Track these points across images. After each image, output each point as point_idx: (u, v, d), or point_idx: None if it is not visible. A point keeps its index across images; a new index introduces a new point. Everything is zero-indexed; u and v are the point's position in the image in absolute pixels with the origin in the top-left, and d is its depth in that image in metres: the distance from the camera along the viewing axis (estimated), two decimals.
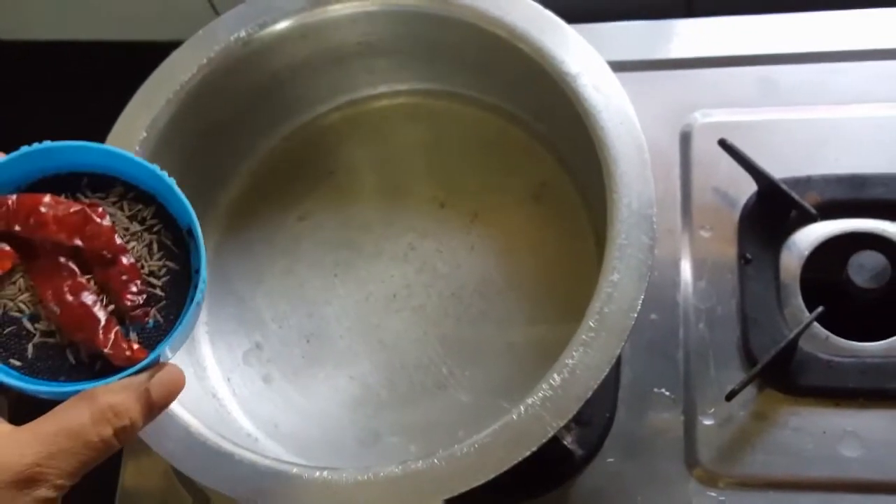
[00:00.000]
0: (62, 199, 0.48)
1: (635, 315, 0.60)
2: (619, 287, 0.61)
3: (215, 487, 0.61)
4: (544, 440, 0.58)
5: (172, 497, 0.75)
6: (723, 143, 0.76)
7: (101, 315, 0.47)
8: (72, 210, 0.47)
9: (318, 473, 0.59)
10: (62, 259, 0.47)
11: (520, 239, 0.76)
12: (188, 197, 0.49)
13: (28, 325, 0.47)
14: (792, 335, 0.68)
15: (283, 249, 0.79)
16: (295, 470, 0.60)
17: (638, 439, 0.71)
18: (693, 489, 0.69)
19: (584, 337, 0.60)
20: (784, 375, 0.70)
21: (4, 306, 0.47)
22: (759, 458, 0.69)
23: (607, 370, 0.59)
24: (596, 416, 0.72)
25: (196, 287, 0.48)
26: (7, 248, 0.47)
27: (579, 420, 0.71)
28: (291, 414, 0.73)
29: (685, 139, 0.80)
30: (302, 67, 0.77)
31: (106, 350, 0.46)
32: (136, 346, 0.46)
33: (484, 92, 0.79)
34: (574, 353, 0.59)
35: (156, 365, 0.47)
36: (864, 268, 0.71)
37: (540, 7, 0.71)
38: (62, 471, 0.42)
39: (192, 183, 0.72)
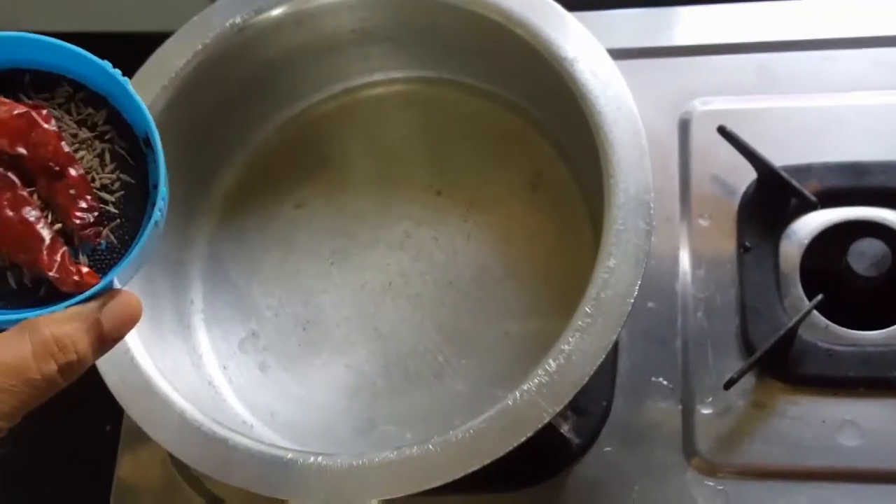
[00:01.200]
0: (5, 99, 0.42)
1: (632, 301, 0.60)
2: (616, 273, 0.60)
3: (210, 474, 0.61)
4: (540, 426, 0.57)
5: (169, 487, 0.75)
6: (722, 131, 0.75)
7: (46, 234, 0.41)
8: (15, 112, 0.41)
9: (312, 459, 0.59)
10: (0, 169, 0.42)
11: (516, 227, 0.76)
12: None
13: None
14: (791, 323, 0.68)
15: (279, 238, 0.79)
16: (290, 455, 0.60)
17: (635, 428, 0.71)
18: (691, 478, 0.69)
19: (580, 323, 0.59)
20: (783, 364, 0.70)
21: None
22: (758, 448, 0.69)
23: (603, 356, 0.58)
24: (593, 405, 0.71)
25: (154, 205, 0.42)
26: None
27: (576, 408, 0.71)
28: (288, 402, 0.73)
29: (684, 127, 0.80)
30: (297, 54, 0.77)
31: (51, 274, 0.41)
32: (85, 270, 0.41)
33: (480, 79, 0.78)
34: (570, 339, 0.59)
35: (108, 292, 0.42)
36: (864, 256, 0.71)
37: None
38: (1, 411, 0.38)
39: (187, 171, 0.73)
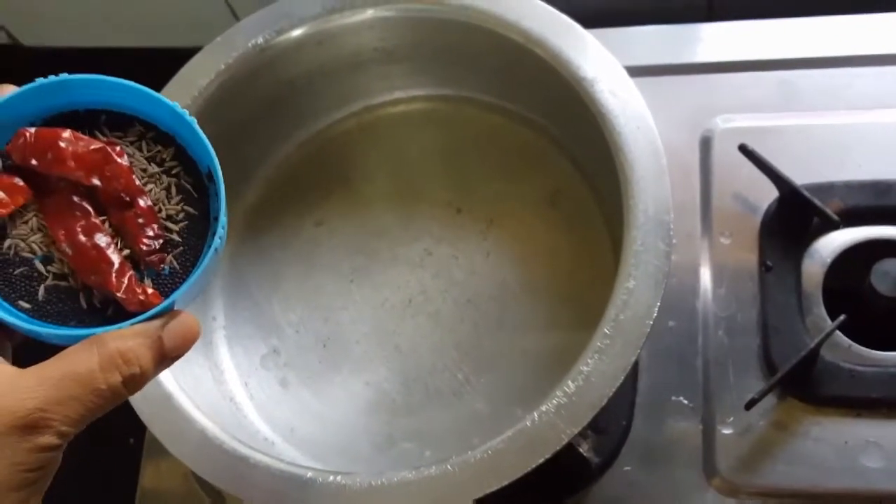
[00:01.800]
0: (82, 135, 0.45)
1: (651, 322, 0.60)
2: (635, 294, 0.60)
3: (230, 491, 0.62)
4: (558, 448, 0.57)
5: (191, 500, 0.76)
6: (743, 149, 0.75)
7: (115, 258, 0.45)
8: (92, 147, 0.45)
9: (331, 478, 0.59)
10: (76, 198, 0.45)
11: (536, 245, 0.76)
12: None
13: (40, 267, 0.45)
14: (813, 343, 0.67)
15: (300, 255, 0.79)
16: (309, 474, 0.60)
17: (655, 448, 0.71)
18: (711, 499, 0.69)
19: (598, 344, 0.59)
20: (805, 384, 0.69)
21: (16, 246, 0.45)
22: (780, 469, 0.68)
23: (622, 378, 0.58)
24: (613, 424, 0.71)
25: (215, 234, 0.46)
26: (21, 182, 0.45)
27: (596, 428, 0.71)
28: (308, 418, 0.73)
29: (705, 144, 0.80)
30: (318, 73, 0.77)
31: (119, 294, 0.44)
32: (150, 291, 0.44)
33: (500, 97, 0.79)
34: (589, 361, 0.59)
35: (170, 312, 0.44)
36: (887, 275, 0.70)
37: (556, 12, 0.70)
38: (67, 417, 0.40)
39: None
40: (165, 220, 0.47)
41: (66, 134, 0.45)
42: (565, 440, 0.57)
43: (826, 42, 0.82)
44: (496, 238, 0.77)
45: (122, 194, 0.45)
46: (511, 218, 0.77)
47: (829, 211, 0.73)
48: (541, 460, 0.57)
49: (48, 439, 0.40)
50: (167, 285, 0.46)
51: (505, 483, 0.57)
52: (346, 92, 0.81)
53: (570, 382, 0.58)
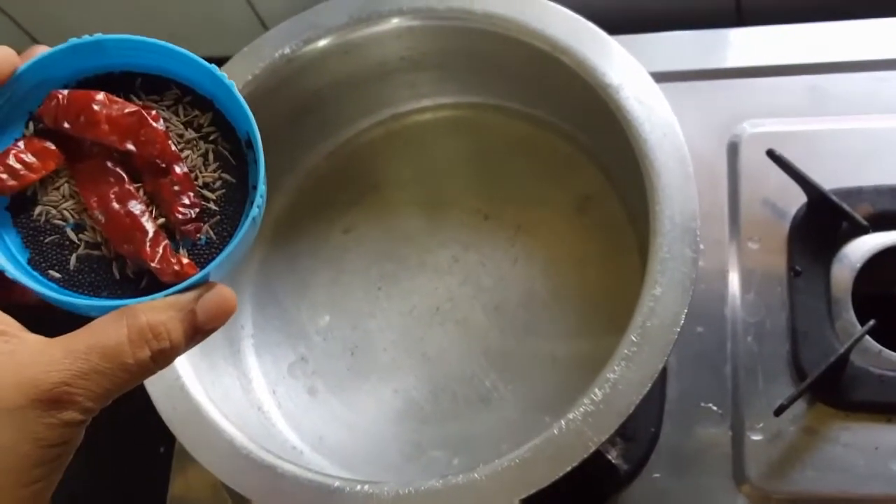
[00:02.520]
0: (117, 98, 0.43)
1: (678, 329, 0.59)
2: (662, 301, 0.60)
3: (258, 500, 0.62)
4: (585, 456, 0.57)
5: None
6: (771, 154, 0.74)
7: (150, 227, 0.42)
8: (126, 111, 0.43)
9: (359, 487, 0.60)
10: (109, 164, 0.43)
11: (564, 252, 0.76)
12: None
13: (72, 235, 0.43)
14: (843, 349, 0.67)
15: (328, 262, 0.80)
16: (336, 483, 0.60)
17: (684, 454, 0.71)
18: None
19: (626, 351, 0.59)
20: (835, 390, 0.69)
21: (47, 213, 0.43)
22: (809, 475, 0.68)
23: (649, 385, 0.58)
24: (641, 431, 0.71)
25: (253, 202, 0.43)
26: (52, 147, 0.43)
27: (624, 435, 0.70)
28: (336, 427, 0.73)
29: (733, 150, 0.79)
30: (345, 83, 0.78)
31: (152, 264, 0.42)
32: (185, 261, 0.42)
33: (527, 104, 0.79)
34: (616, 368, 0.59)
35: (205, 284, 0.42)
36: None
37: (581, 19, 0.70)
38: (92, 393, 0.38)
39: None
40: (202, 187, 0.44)
41: (100, 96, 0.43)
42: (592, 448, 0.57)
43: (855, 46, 0.82)
44: (524, 245, 0.77)
45: (158, 160, 0.43)
46: (539, 225, 0.77)
47: (857, 216, 0.72)
48: (568, 468, 0.57)
49: (71, 415, 0.38)
50: (203, 256, 0.44)
51: (532, 491, 0.57)
52: (374, 101, 0.81)
53: (596, 390, 0.58)
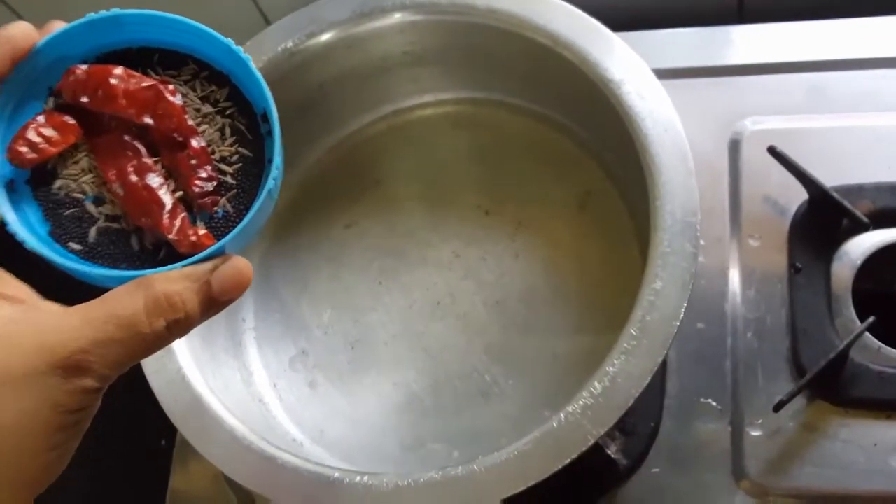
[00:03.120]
0: (134, 72, 0.44)
1: (678, 323, 0.60)
2: (662, 295, 0.60)
3: (259, 491, 0.62)
4: (584, 449, 0.57)
5: (221, 501, 0.76)
6: (772, 151, 0.75)
7: (168, 200, 0.43)
8: (144, 85, 0.43)
9: (358, 478, 0.60)
10: (127, 138, 0.44)
11: (564, 247, 0.76)
12: None
13: (91, 209, 0.44)
14: (842, 345, 0.67)
15: (330, 257, 0.80)
16: (336, 474, 0.60)
17: (684, 450, 0.71)
18: (740, 501, 0.68)
19: (625, 345, 0.59)
20: (834, 386, 0.69)
21: (66, 187, 0.44)
22: (809, 471, 0.68)
23: (649, 379, 0.58)
24: (641, 426, 0.71)
25: (269, 176, 0.44)
26: (72, 121, 0.44)
27: (624, 429, 0.71)
28: (337, 419, 0.74)
29: (734, 147, 0.80)
30: (348, 77, 0.78)
31: (170, 235, 0.42)
32: (202, 232, 0.43)
33: (528, 100, 0.79)
34: (615, 362, 0.59)
35: (221, 256, 0.42)
36: None
37: (584, 15, 0.71)
38: (108, 361, 0.39)
39: None
40: (219, 161, 0.45)
41: (118, 71, 0.44)
42: (591, 441, 0.57)
43: (856, 44, 0.82)
44: (525, 240, 0.77)
45: (175, 134, 0.44)
46: (540, 220, 0.77)
47: (858, 213, 0.72)
48: (567, 461, 0.57)
49: (89, 382, 0.39)
50: (220, 229, 0.44)
51: (531, 484, 0.57)
52: (376, 95, 0.81)
53: (596, 383, 0.58)
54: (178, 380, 0.66)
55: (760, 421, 0.70)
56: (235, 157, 0.45)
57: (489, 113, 0.81)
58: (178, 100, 0.44)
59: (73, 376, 0.38)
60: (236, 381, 0.73)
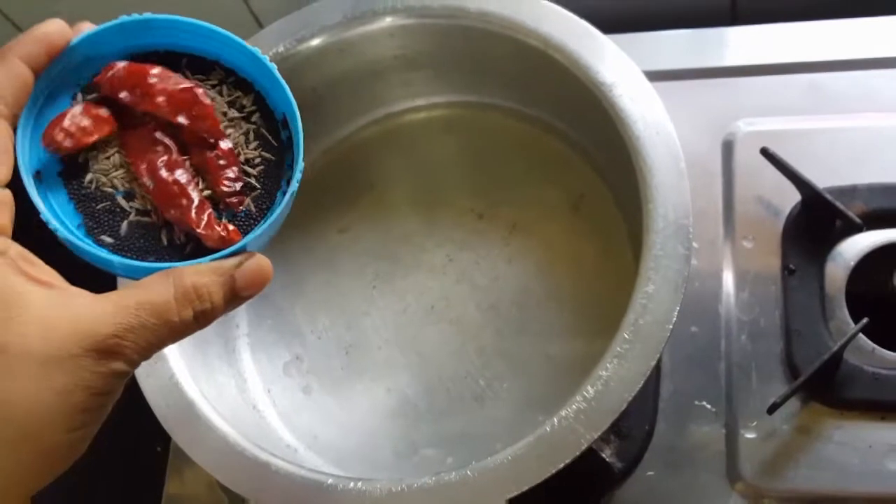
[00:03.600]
0: (172, 73, 0.46)
1: (671, 327, 0.59)
2: (655, 298, 0.60)
3: (252, 497, 0.63)
4: (578, 453, 0.57)
5: None
6: (765, 152, 0.75)
7: (196, 195, 0.45)
8: (181, 86, 0.46)
9: (352, 484, 0.60)
10: (158, 134, 0.46)
11: (558, 250, 0.76)
12: None
13: (122, 203, 0.46)
14: (836, 347, 0.67)
15: (323, 262, 0.80)
16: (330, 480, 0.60)
17: (678, 452, 0.71)
18: (735, 503, 0.68)
19: (618, 349, 0.59)
20: (828, 388, 0.69)
21: (97, 181, 0.46)
22: (803, 473, 0.68)
23: (642, 382, 0.58)
24: (635, 429, 0.71)
25: (291, 179, 0.46)
26: (107, 113, 0.45)
27: (618, 433, 0.70)
28: (330, 425, 0.74)
29: (727, 148, 0.80)
30: (340, 81, 0.78)
31: (198, 230, 0.44)
32: (231, 228, 0.45)
33: (521, 103, 0.79)
34: (608, 366, 0.59)
35: (245, 254, 0.45)
36: None
37: (575, 17, 0.70)
38: (139, 346, 0.41)
39: None
40: (243, 164, 0.47)
41: (156, 70, 0.46)
42: (585, 445, 0.57)
43: (849, 45, 0.82)
44: (518, 244, 0.77)
45: (206, 135, 0.46)
46: (533, 223, 0.77)
47: (851, 214, 0.72)
48: (561, 465, 0.57)
49: (120, 365, 0.41)
50: (243, 226, 0.46)
51: (525, 488, 0.57)
52: (368, 99, 0.81)
53: (589, 387, 0.58)
54: (171, 386, 0.66)
55: (755, 423, 0.70)
56: (258, 160, 0.47)
57: (481, 116, 0.81)
58: (209, 102, 0.46)
59: (105, 359, 0.40)
60: (230, 388, 0.73)
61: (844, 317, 0.71)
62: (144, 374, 0.66)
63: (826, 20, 0.83)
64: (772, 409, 0.67)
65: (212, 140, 0.46)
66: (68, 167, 0.46)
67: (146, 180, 0.45)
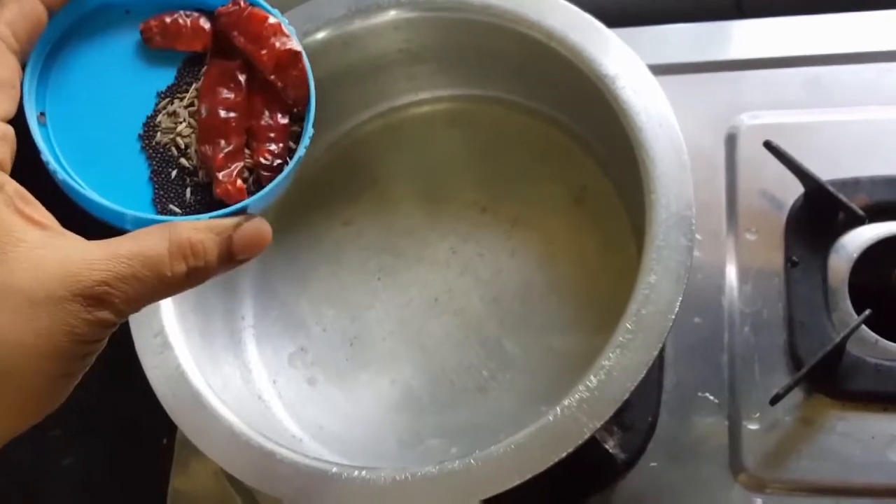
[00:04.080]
0: (284, 31, 0.46)
1: (673, 317, 0.60)
2: (657, 289, 0.61)
3: (257, 486, 0.63)
4: (581, 442, 0.58)
5: (221, 498, 0.76)
6: (768, 145, 0.75)
7: (234, 142, 0.45)
8: (287, 47, 0.46)
9: (356, 473, 0.60)
10: (240, 76, 0.46)
11: (561, 243, 0.76)
12: None
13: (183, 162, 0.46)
14: (839, 338, 0.67)
15: (328, 255, 0.80)
16: (334, 469, 0.61)
17: (681, 444, 0.71)
18: (737, 494, 0.68)
19: (620, 339, 0.60)
20: (831, 379, 0.69)
21: (169, 143, 0.46)
22: (806, 464, 0.68)
23: (644, 372, 0.58)
24: (639, 421, 0.71)
25: (301, 144, 0.47)
26: (209, 27, 0.46)
27: (622, 424, 0.71)
28: (335, 416, 0.74)
29: (731, 141, 0.80)
30: (344, 75, 0.78)
31: (218, 174, 0.45)
32: (239, 184, 0.45)
33: (524, 96, 0.79)
34: (611, 355, 0.59)
35: (245, 215, 0.45)
36: None
37: (578, 10, 0.71)
38: (128, 297, 0.40)
39: None
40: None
41: (272, 21, 0.46)
42: (588, 434, 0.57)
43: (852, 38, 0.82)
44: (521, 236, 0.77)
45: (291, 102, 0.47)
46: (536, 216, 0.77)
47: (854, 206, 0.72)
48: (563, 454, 0.57)
49: (107, 314, 0.40)
50: (251, 193, 0.46)
51: (528, 477, 0.57)
52: (373, 93, 0.82)
53: (591, 377, 0.59)
54: (177, 376, 0.66)
55: (757, 415, 0.70)
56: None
57: (485, 110, 0.81)
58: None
59: (93, 307, 0.40)
60: (236, 379, 0.73)
61: (847, 309, 0.71)
62: (151, 365, 0.66)
63: (829, 14, 0.84)
64: (774, 400, 0.67)
65: (291, 108, 0.47)
66: (146, 129, 0.46)
67: (203, 108, 0.45)
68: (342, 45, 0.76)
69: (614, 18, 0.71)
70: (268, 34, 0.46)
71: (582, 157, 0.77)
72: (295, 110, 0.48)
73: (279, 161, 0.46)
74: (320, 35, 0.74)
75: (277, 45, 0.46)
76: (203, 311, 0.72)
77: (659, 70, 0.69)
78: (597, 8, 0.71)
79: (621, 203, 0.75)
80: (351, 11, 0.74)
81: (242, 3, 0.46)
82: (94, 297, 0.40)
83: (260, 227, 0.44)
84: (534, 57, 0.72)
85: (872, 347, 0.70)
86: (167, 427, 0.68)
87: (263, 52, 0.45)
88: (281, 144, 0.46)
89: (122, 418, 0.92)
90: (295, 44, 0.47)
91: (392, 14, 0.74)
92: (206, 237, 0.43)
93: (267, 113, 0.47)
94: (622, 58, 0.68)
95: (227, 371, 0.73)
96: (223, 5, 0.47)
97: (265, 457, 0.62)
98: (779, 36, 0.84)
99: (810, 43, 0.83)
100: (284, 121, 0.47)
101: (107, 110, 0.46)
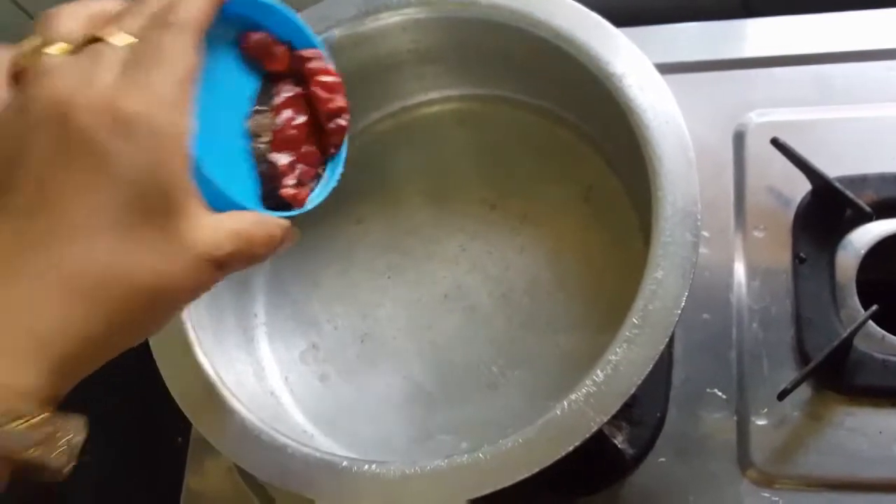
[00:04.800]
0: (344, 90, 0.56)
1: (679, 312, 0.60)
2: (663, 284, 0.61)
3: (269, 480, 0.63)
4: (588, 436, 0.58)
5: (235, 495, 0.77)
6: (776, 142, 0.75)
7: (298, 156, 0.53)
8: (340, 104, 0.56)
9: (366, 466, 0.61)
10: (307, 105, 0.54)
11: (569, 240, 0.76)
12: None
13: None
14: (846, 333, 0.68)
15: (339, 253, 0.81)
16: (345, 463, 0.61)
17: (690, 439, 0.71)
18: (745, 490, 0.69)
19: (627, 334, 0.60)
20: (839, 375, 0.69)
21: (258, 145, 0.52)
22: (814, 459, 0.68)
23: (651, 366, 0.59)
24: (647, 416, 0.72)
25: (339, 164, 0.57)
26: (286, 52, 0.54)
27: (630, 419, 0.71)
28: (346, 412, 0.74)
29: (739, 138, 0.80)
30: (355, 75, 0.78)
31: (285, 180, 0.52)
32: (306, 193, 0.54)
33: (532, 95, 0.80)
34: (618, 350, 0.60)
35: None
36: None
37: (585, 9, 0.71)
38: (234, 269, 0.47)
39: None
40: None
41: (338, 80, 0.56)
42: (595, 428, 0.58)
43: (862, 36, 0.82)
44: (530, 234, 0.78)
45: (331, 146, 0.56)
46: (544, 214, 0.78)
47: (861, 203, 0.73)
48: (571, 448, 0.58)
49: (220, 276, 0.46)
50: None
51: (536, 470, 0.58)
52: (383, 93, 0.82)
53: (598, 371, 0.59)
54: (190, 374, 0.67)
55: (766, 410, 0.70)
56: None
57: (493, 109, 0.82)
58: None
59: (219, 270, 0.46)
60: (248, 375, 0.74)
61: (855, 305, 0.72)
62: (165, 363, 0.67)
63: (837, 12, 0.84)
64: (782, 396, 0.68)
65: (327, 148, 0.56)
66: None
67: (279, 119, 0.53)
68: (353, 45, 0.76)
69: (621, 18, 0.72)
70: (336, 90, 0.55)
71: (589, 156, 0.78)
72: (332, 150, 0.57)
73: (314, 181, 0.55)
74: (332, 35, 0.75)
75: (339, 101, 0.55)
76: (216, 310, 0.73)
77: (666, 69, 0.69)
78: (604, 7, 0.72)
79: (629, 200, 0.75)
80: (361, 12, 0.75)
81: (323, 58, 0.55)
82: (222, 264, 0.45)
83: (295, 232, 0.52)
84: (541, 56, 0.72)
85: (880, 343, 0.70)
86: (181, 426, 0.68)
87: (330, 105, 0.55)
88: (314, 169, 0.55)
89: (136, 418, 0.93)
90: (344, 101, 0.56)
91: (401, 14, 0.75)
92: (281, 232, 0.50)
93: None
94: (629, 56, 0.69)
95: (240, 368, 0.73)
96: (310, 48, 0.55)
97: (277, 451, 0.63)
98: (786, 34, 0.84)
99: (818, 41, 0.83)
100: (311, 149, 0.55)
101: (213, 108, 0.49)
